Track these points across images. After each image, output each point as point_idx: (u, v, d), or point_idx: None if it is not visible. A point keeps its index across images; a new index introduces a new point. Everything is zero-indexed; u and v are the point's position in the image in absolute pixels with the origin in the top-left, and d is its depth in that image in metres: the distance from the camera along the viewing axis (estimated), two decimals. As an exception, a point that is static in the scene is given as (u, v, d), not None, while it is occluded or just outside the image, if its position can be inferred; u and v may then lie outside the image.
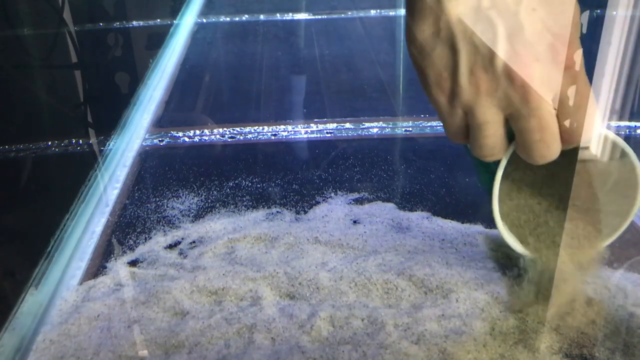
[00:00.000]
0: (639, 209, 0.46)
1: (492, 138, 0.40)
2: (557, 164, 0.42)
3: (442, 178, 0.70)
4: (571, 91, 0.38)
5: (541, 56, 0.37)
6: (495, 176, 0.44)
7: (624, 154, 0.44)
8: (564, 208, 0.48)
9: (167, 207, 0.65)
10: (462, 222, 0.60)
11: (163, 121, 0.89)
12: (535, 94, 0.37)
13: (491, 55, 0.37)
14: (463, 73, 0.38)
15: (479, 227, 0.59)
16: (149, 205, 0.66)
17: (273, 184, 0.69)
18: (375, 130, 0.83)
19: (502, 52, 0.37)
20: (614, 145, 0.44)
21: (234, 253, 0.57)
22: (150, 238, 0.60)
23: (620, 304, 0.47)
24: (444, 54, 0.39)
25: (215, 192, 0.68)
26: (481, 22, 0.37)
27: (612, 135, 0.44)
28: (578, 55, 0.38)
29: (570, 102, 0.38)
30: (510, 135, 0.41)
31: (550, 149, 0.39)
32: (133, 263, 0.56)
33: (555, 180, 0.48)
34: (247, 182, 0.70)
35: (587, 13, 1.00)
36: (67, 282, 0.55)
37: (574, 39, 0.38)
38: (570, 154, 0.42)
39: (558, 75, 0.38)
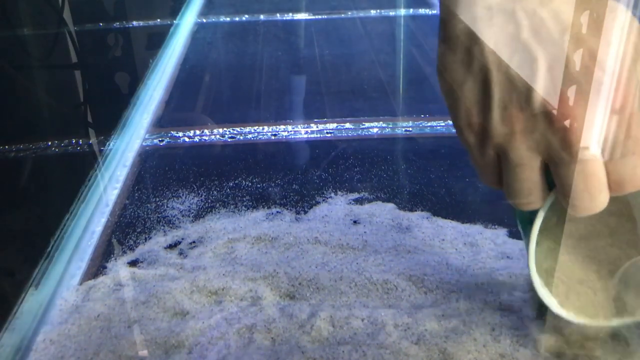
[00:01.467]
0: None
1: (528, 183, 0.36)
2: (608, 213, 0.36)
3: (442, 178, 0.70)
4: (626, 133, 0.33)
5: (588, 94, 0.32)
6: (532, 229, 0.38)
7: None
8: (608, 268, 0.43)
9: (167, 207, 0.65)
10: (462, 222, 0.60)
11: (163, 121, 0.89)
12: (578, 137, 0.32)
13: (528, 91, 0.33)
14: (495, 110, 0.34)
15: (479, 227, 0.59)
16: (149, 205, 0.66)
17: (273, 184, 0.69)
18: (375, 130, 0.83)
19: (541, 88, 0.32)
20: None
21: (234, 253, 0.57)
22: (150, 238, 0.60)
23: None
24: (476, 87, 0.34)
25: (215, 192, 0.68)
26: (519, 52, 0.33)
27: None
28: (635, 94, 0.33)
29: (622, 148, 0.33)
30: (552, 181, 0.36)
31: (594, 201, 0.34)
32: (133, 263, 0.56)
33: (602, 233, 0.43)
34: (247, 182, 0.70)
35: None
36: (67, 282, 0.55)
37: (631, 74, 0.33)
38: (623, 203, 0.37)
39: (607, 116, 0.33)
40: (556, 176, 0.35)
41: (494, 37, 0.33)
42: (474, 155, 0.37)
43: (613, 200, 0.35)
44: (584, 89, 0.32)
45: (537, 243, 0.40)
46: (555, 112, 0.32)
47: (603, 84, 0.32)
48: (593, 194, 0.34)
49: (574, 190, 0.34)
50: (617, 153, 0.34)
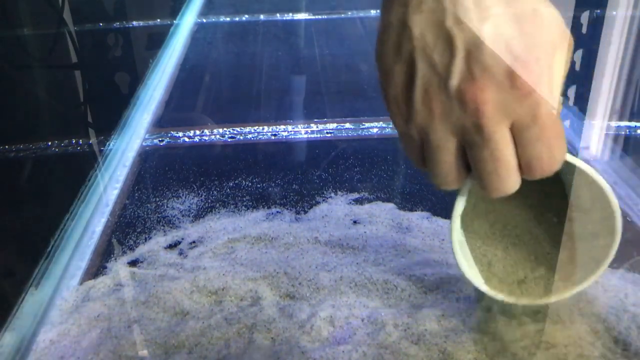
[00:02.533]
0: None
1: (445, 165, 0.38)
2: (527, 193, 0.38)
3: (442, 178, 0.69)
4: (532, 119, 0.35)
5: (497, 80, 0.34)
6: (454, 210, 0.41)
7: (595, 185, 0.40)
8: (529, 246, 0.45)
9: (167, 207, 0.65)
10: (462, 222, 0.60)
11: (163, 121, 0.89)
12: (488, 120, 0.34)
13: (446, 76, 0.35)
14: (417, 93, 0.36)
15: (479, 227, 0.59)
16: (149, 205, 0.66)
17: (273, 184, 0.69)
18: (375, 130, 0.83)
19: (456, 73, 0.34)
20: (584, 175, 0.40)
21: (234, 253, 0.57)
22: (150, 238, 0.60)
23: (620, 304, 0.47)
24: (403, 71, 0.36)
25: (215, 192, 0.68)
26: (441, 38, 0.35)
27: (582, 164, 0.39)
28: (545, 82, 0.35)
29: (530, 133, 0.35)
30: None
31: (504, 183, 0.36)
32: (133, 263, 0.56)
33: (523, 213, 0.45)
34: (247, 182, 0.70)
35: (587, 13, 1.00)
36: (67, 282, 0.55)
37: (543, 63, 0.35)
38: (541, 185, 0.39)
39: (516, 101, 0.34)
40: (470, 159, 0.37)
41: (421, 23, 0.35)
42: (401, 137, 0.39)
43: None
44: (494, 75, 0.34)
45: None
46: (468, 96, 0.34)
47: (511, 70, 0.34)
48: (502, 175, 0.36)
49: (485, 172, 0.36)
50: (525, 138, 0.35)
